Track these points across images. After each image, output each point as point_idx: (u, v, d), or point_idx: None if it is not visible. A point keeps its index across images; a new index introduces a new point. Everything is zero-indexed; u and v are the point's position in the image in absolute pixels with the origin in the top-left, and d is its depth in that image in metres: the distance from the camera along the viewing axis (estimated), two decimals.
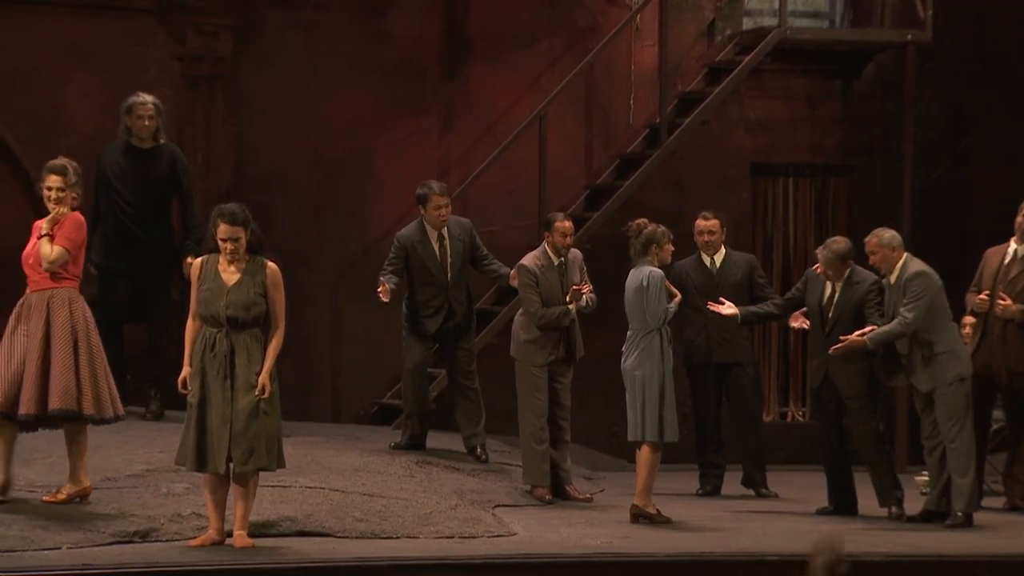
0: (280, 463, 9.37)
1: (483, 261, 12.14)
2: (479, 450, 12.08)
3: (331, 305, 14.25)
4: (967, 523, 10.85)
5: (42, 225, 9.86)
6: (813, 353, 11.64)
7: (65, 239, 9.77)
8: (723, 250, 12.58)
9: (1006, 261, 11.73)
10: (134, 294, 12.35)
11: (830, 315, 11.32)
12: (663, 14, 14.35)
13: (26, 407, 9.61)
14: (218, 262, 9.34)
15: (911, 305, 10.88)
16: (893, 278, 11.06)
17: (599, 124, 14.77)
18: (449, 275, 11.98)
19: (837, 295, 11.32)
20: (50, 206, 9.86)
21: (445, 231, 12.00)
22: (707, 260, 12.55)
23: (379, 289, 11.76)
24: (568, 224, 11.74)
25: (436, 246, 11.99)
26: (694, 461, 12.61)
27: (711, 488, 12.44)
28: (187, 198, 12.41)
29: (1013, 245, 11.73)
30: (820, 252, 11.40)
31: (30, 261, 9.83)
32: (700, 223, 12.62)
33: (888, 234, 11.15)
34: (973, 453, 11.03)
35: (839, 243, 11.40)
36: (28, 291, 9.84)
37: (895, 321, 10.95)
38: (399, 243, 12.02)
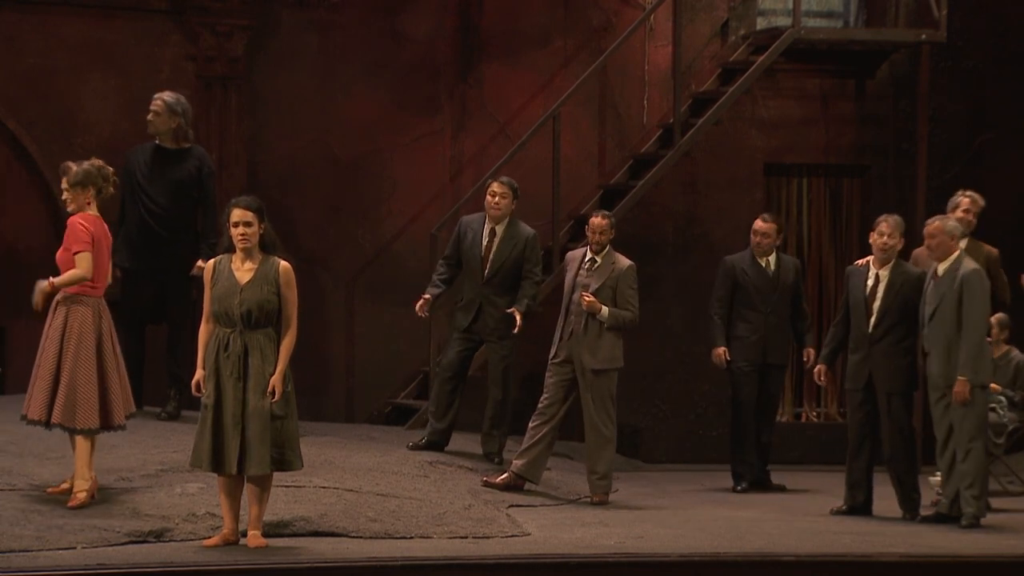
0: (298, 464, 9.36)
1: (524, 277, 11.91)
2: (494, 456, 12.08)
3: (345, 305, 14.26)
4: (976, 525, 10.82)
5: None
6: (854, 348, 11.30)
7: (63, 251, 9.63)
8: (774, 252, 12.67)
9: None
10: (157, 296, 12.27)
11: (876, 306, 11.15)
12: (677, 14, 14.33)
13: (31, 413, 9.65)
14: (231, 261, 9.32)
15: (974, 305, 10.73)
16: (942, 268, 10.91)
17: (612, 124, 14.77)
18: (486, 271, 11.90)
19: (883, 284, 11.16)
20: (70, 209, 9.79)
21: (500, 228, 11.92)
22: (762, 261, 12.61)
23: (418, 304, 11.89)
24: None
25: (485, 239, 11.93)
26: (696, 460, 12.61)
27: (748, 485, 12.47)
28: (208, 204, 12.22)
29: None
30: (887, 216, 11.25)
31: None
32: (759, 224, 12.66)
33: (951, 223, 11.02)
34: (984, 458, 10.93)
35: (899, 217, 11.34)
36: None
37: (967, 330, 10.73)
38: (458, 225, 12.13)
